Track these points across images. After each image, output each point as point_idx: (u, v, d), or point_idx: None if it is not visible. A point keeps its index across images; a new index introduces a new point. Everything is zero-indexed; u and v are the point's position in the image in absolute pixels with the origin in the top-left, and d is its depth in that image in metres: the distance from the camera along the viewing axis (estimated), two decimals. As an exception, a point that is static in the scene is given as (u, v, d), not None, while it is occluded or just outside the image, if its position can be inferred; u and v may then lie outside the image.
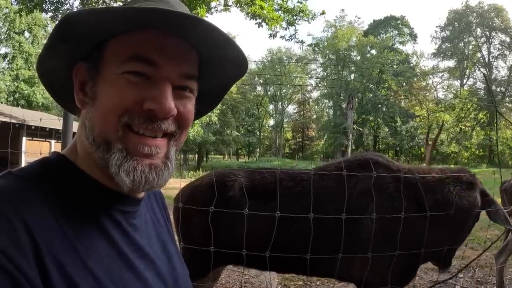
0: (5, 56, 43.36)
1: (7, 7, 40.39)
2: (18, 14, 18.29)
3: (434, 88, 59.21)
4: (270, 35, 15.07)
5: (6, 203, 0.79)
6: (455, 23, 56.29)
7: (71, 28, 0.87)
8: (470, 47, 56.55)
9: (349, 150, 49.32)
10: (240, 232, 3.26)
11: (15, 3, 21.23)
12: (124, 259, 0.94)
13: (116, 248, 0.93)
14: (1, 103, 36.10)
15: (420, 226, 3.25)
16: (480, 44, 56.00)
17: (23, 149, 21.28)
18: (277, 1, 14.38)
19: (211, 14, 15.48)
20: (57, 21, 0.88)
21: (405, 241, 3.20)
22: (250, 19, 14.10)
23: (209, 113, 40.00)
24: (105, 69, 0.92)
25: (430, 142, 42.98)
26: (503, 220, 3.49)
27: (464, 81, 57.40)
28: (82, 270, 0.82)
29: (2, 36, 43.39)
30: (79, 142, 0.98)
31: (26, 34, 43.86)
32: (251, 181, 3.57)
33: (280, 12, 14.32)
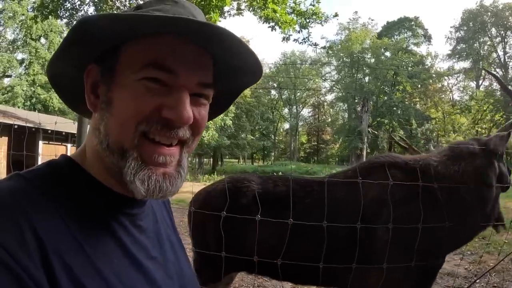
0: (22, 61, 43.84)
1: (23, 14, 40.88)
2: (33, 21, 18.51)
3: (449, 90, 58.78)
4: (284, 39, 15.13)
5: (13, 205, 0.80)
6: (470, 23, 55.75)
7: (87, 30, 0.86)
8: (486, 47, 55.95)
9: (364, 153, 49.06)
10: (251, 240, 3.26)
11: (31, 10, 21.49)
12: (132, 260, 0.94)
13: (124, 249, 0.94)
14: (18, 107, 36.51)
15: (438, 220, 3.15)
16: (495, 44, 55.44)
17: (40, 152, 21.47)
18: (289, 4, 14.39)
19: (224, 18, 15.55)
20: (74, 23, 0.87)
21: (424, 243, 3.12)
22: (263, 23, 14.16)
23: (224, 117, 40.16)
24: (121, 73, 0.91)
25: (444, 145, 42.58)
26: None
27: (480, 82, 56.84)
28: (90, 271, 0.82)
29: (19, 43, 43.94)
30: (90, 145, 0.99)
31: (42, 40, 44.32)
32: (264, 189, 3.54)
33: (293, 15, 14.35)
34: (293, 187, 3.42)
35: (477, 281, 6.21)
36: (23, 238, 0.75)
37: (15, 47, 44.71)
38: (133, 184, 0.89)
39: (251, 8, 14.10)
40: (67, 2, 17.20)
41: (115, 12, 0.80)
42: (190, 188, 4.31)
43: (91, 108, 0.97)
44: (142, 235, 1.02)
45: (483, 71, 53.68)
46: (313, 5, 14.48)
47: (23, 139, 4.63)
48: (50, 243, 0.78)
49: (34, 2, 21.64)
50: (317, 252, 3.13)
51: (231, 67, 1.01)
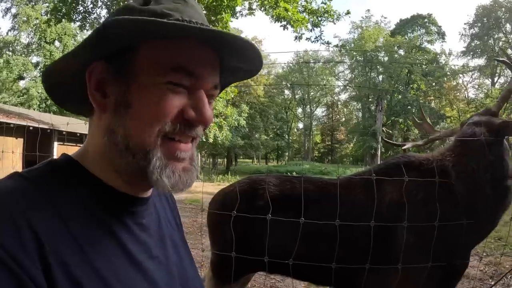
0: (36, 64, 44.30)
1: (37, 18, 41.34)
2: (47, 25, 18.69)
3: (464, 87, 58.23)
4: (296, 37, 15.15)
5: (12, 204, 0.80)
6: (484, 19, 55.00)
7: (106, 32, 0.87)
8: (500, 43, 55.30)
9: (379, 153, 48.88)
10: (270, 241, 3.25)
11: (44, 14, 21.72)
12: (132, 259, 0.94)
13: (124, 248, 0.93)
14: (34, 109, 36.90)
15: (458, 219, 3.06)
16: (510, 40, 54.77)
17: (55, 153, 21.68)
18: (301, 3, 14.37)
19: (236, 18, 15.56)
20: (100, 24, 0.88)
21: (444, 245, 3.06)
22: (275, 22, 14.15)
23: (238, 117, 40.09)
24: (142, 75, 0.91)
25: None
26: None
27: (495, 79, 56.20)
28: (88, 270, 0.82)
29: (34, 46, 44.44)
30: (94, 144, 0.99)
31: (57, 43, 44.76)
32: (281, 191, 3.52)
33: (304, 13, 14.32)
34: (311, 189, 3.42)
35: (494, 284, 6.12)
36: (22, 238, 0.75)
37: (30, 50, 45.24)
38: (160, 181, 0.92)
39: (262, 8, 14.11)
40: (80, 5, 17.35)
41: (141, 17, 0.80)
42: (204, 188, 4.31)
43: (97, 107, 0.95)
44: (144, 233, 1.01)
45: (497, 67, 52.99)
46: (325, 3, 14.46)
47: (40, 141, 4.66)
48: (48, 242, 0.78)
49: (47, 6, 21.86)
50: (337, 254, 3.08)
51: (232, 67, 1.06)
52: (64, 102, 1.10)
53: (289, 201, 3.43)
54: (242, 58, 1.00)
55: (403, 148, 4.38)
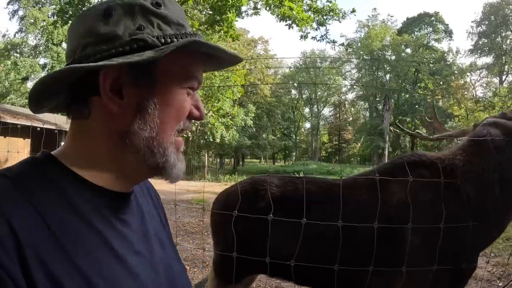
0: (44, 66, 44.53)
1: (44, 20, 41.55)
2: (54, 26, 18.76)
3: (472, 86, 57.93)
4: (301, 37, 15.10)
5: None
6: (491, 17, 54.67)
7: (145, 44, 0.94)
8: (508, 41, 54.97)
9: (386, 153, 48.77)
10: (271, 243, 3.24)
11: (51, 16, 21.83)
12: (114, 254, 0.91)
13: (106, 244, 0.91)
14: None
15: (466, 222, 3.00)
16: (518, 38, 54.47)
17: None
18: (306, 2, 14.33)
19: (242, 18, 15.55)
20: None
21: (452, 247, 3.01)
22: (280, 21, 14.13)
23: (245, 117, 40.10)
24: (163, 81, 0.97)
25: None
26: None
27: (503, 77, 55.86)
28: (69, 268, 0.81)
29: (41, 48, 44.69)
30: (85, 145, 0.98)
31: (64, 45, 44.94)
32: (283, 192, 3.49)
33: (309, 12, 14.28)
34: (314, 190, 3.39)
35: (501, 284, 6.06)
36: (0, 236, 0.75)
37: (37, 52, 45.51)
38: (175, 174, 1.02)
39: (267, 7, 14.10)
40: (86, 7, 17.40)
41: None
42: (211, 188, 4.31)
43: (114, 108, 0.94)
44: (127, 229, 1.00)
45: (505, 65, 52.68)
46: (330, 1, 14.41)
47: (46, 141, 4.69)
48: (27, 240, 0.77)
49: (54, 8, 21.94)
50: (340, 256, 3.05)
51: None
52: (44, 105, 1.04)
53: (291, 202, 3.40)
54: (219, 62, 1.12)
55: (433, 137, 4.26)
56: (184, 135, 1.05)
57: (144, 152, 0.97)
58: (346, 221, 3.02)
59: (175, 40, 0.95)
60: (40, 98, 0.97)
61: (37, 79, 0.95)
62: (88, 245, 0.87)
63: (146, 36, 0.93)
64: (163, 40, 0.94)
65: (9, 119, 20.34)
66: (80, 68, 0.88)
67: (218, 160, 53.88)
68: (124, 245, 0.96)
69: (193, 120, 1.06)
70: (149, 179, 1.17)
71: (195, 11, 15.88)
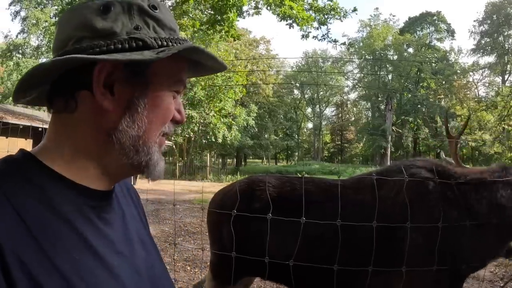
0: (46, 67, 44.64)
1: (46, 21, 41.58)
2: (55, 27, 18.78)
3: (475, 85, 57.80)
4: (303, 36, 15.06)
5: None
6: (493, 16, 54.48)
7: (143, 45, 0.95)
8: (510, 40, 54.77)
9: (388, 153, 48.73)
10: (266, 244, 3.21)
11: (53, 17, 21.86)
12: (96, 255, 0.90)
13: (87, 244, 0.89)
14: (44, 111, 37.20)
15: (469, 236, 3.03)
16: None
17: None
18: (307, 1, 14.31)
19: (243, 18, 15.54)
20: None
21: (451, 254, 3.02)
22: (281, 20, 14.10)
23: (247, 117, 40.05)
24: (156, 82, 0.99)
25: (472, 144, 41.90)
26: None
27: (506, 77, 55.68)
28: (48, 268, 0.80)
29: (43, 48, 44.70)
30: (66, 140, 0.96)
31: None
32: (280, 192, 3.48)
33: (310, 11, 14.25)
34: (312, 190, 3.37)
35: (503, 285, 6.01)
36: None
37: (40, 53, 45.52)
38: (156, 172, 1.03)
39: (268, 6, 14.08)
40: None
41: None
42: (213, 189, 4.31)
43: (107, 105, 0.94)
44: (108, 228, 0.98)
45: (508, 65, 52.53)
46: (331, 0, 14.37)
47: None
48: (6, 242, 0.76)
49: (56, 9, 21.97)
50: (338, 257, 3.02)
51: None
52: (25, 97, 1.03)
53: (288, 202, 3.38)
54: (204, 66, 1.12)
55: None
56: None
57: (129, 150, 0.97)
58: (345, 221, 3.00)
59: (170, 43, 0.97)
60: (29, 88, 0.96)
61: (29, 68, 0.93)
62: (68, 244, 0.86)
63: (144, 36, 0.94)
64: (159, 42, 0.95)
65: (11, 120, 20.38)
66: (83, 59, 0.88)
67: (220, 160, 53.94)
68: (105, 244, 0.94)
69: (175, 124, 1.07)
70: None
71: (196, 11, 15.86)
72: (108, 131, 0.95)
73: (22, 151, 0.96)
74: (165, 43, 0.96)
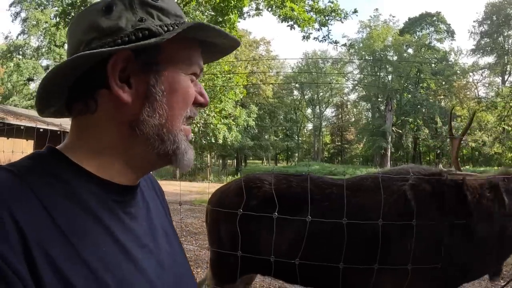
0: (47, 68, 44.46)
1: (46, 22, 41.58)
2: (56, 28, 18.76)
3: (474, 86, 57.73)
4: (304, 37, 15.09)
5: None
6: (493, 16, 54.32)
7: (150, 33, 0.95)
8: (510, 41, 54.71)
9: (388, 153, 48.67)
10: (264, 242, 3.26)
11: (53, 18, 21.83)
12: (121, 248, 0.92)
13: (113, 237, 0.91)
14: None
15: (463, 246, 3.07)
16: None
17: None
18: (308, 2, 14.36)
19: (244, 19, 15.57)
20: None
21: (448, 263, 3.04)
22: (282, 22, 14.15)
23: (247, 118, 39.94)
24: (169, 67, 0.99)
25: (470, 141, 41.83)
26: None
27: (506, 77, 55.58)
28: (76, 262, 0.80)
29: (44, 49, 44.71)
30: (93, 140, 0.98)
31: (66, 46, 45.07)
32: (276, 190, 3.42)
33: (311, 13, 14.30)
34: (310, 188, 3.33)
35: (504, 283, 6.03)
36: (5, 232, 0.74)
37: (40, 54, 45.53)
38: (183, 160, 1.03)
39: (269, 8, 14.13)
40: (88, 8, 17.43)
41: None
42: (214, 189, 4.33)
43: (125, 98, 0.95)
44: (133, 222, 1.00)
45: (507, 65, 52.43)
46: (332, 2, 14.43)
47: (50, 142, 4.72)
48: (32, 236, 0.76)
49: (56, 10, 21.96)
50: (334, 257, 3.06)
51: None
52: (48, 107, 1.07)
53: (285, 200, 3.36)
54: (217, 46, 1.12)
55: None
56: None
57: (154, 140, 0.98)
58: (342, 220, 3.03)
59: (177, 28, 0.97)
60: (47, 95, 0.99)
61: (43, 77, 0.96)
62: (95, 238, 0.87)
63: (149, 25, 0.95)
64: (166, 29, 0.96)
65: (12, 121, 20.40)
66: (90, 54, 0.88)
67: (220, 161, 53.86)
68: (131, 239, 0.96)
69: (199, 107, 1.08)
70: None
71: (197, 12, 15.89)
72: (131, 124, 0.97)
73: (49, 147, 0.98)
74: (171, 28, 0.97)
